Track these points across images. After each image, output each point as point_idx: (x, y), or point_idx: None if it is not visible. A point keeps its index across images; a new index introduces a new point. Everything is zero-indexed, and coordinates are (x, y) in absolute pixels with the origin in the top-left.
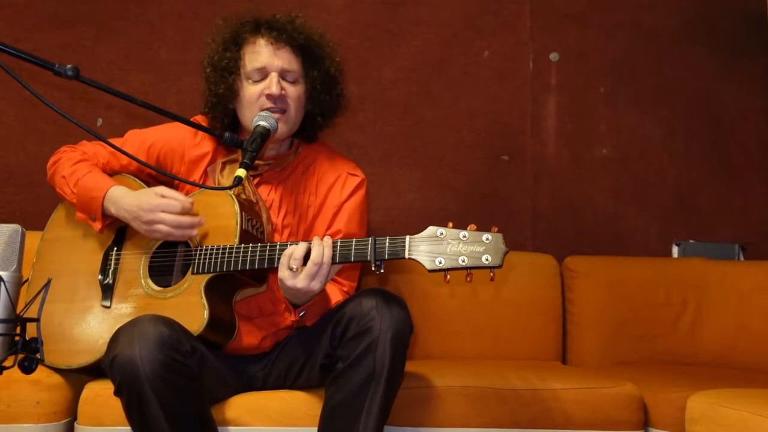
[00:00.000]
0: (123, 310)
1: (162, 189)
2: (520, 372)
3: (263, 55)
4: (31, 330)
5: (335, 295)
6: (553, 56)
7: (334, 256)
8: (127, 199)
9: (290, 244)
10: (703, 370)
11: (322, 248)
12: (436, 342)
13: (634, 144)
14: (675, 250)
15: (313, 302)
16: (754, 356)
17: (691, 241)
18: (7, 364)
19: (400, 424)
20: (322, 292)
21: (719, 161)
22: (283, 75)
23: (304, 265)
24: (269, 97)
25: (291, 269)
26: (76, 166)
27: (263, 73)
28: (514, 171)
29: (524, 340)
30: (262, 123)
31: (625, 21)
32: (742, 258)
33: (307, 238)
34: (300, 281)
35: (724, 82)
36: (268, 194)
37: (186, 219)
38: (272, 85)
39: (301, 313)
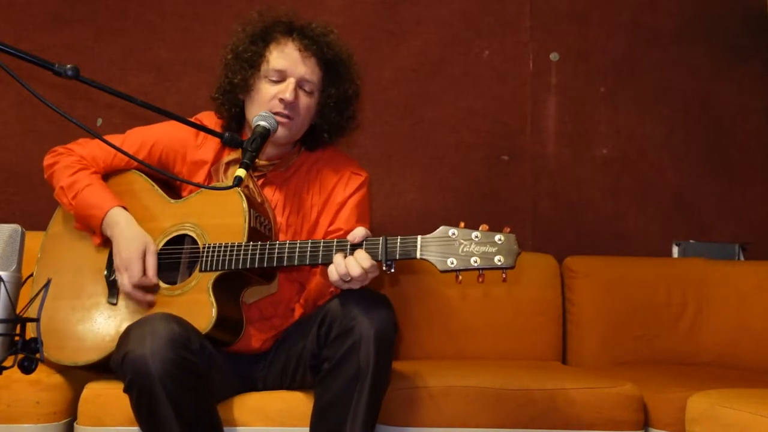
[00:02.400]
0: (130, 308)
1: (151, 251)
2: (520, 372)
3: (289, 59)
4: (31, 330)
5: None
6: (553, 56)
7: (345, 254)
8: (122, 233)
9: (300, 244)
10: (703, 370)
11: (343, 268)
12: (436, 342)
13: (634, 144)
14: (675, 250)
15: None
16: (754, 356)
17: (691, 241)
18: (7, 364)
19: (400, 424)
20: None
21: (719, 161)
22: (301, 83)
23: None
24: (282, 101)
25: (345, 281)
26: (75, 177)
27: (283, 76)
28: (514, 171)
29: (524, 340)
30: (262, 123)
31: (625, 21)
32: (742, 258)
33: (310, 236)
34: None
35: (723, 82)
36: (273, 195)
37: (137, 295)
38: (287, 91)
39: None
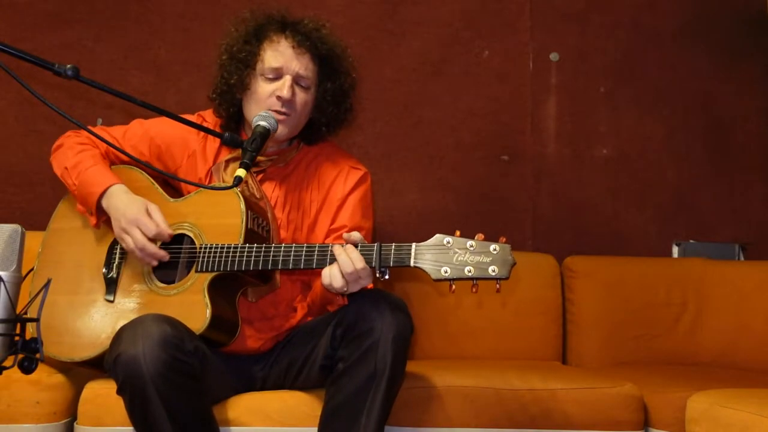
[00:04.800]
0: (126, 305)
1: (153, 208)
2: (520, 372)
3: (284, 56)
4: (31, 329)
5: None
6: (553, 56)
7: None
8: (120, 199)
9: (295, 247)
10: (703, 370)
11: (347, 259)
12: (436, 342)
13: (634, 144)
14: (675, 250)
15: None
16: (754, 356)
17: (691, 241)
18: (7, 364)
19: (400, 424)
20: None
21: (719, 161)
22: (297, 80)
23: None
24: (279, 98)
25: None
26: (80, 156)
27: (278, 73)
28: (514, 171)
29: (524, 340)
30: (262, 123)
31: (625, 21)
32: (742, 258)
33: (311, 233)
34: (352, 288)
35: (724, 83)
36: (272, 191)
37: (151, 248)
38: (284, 88)
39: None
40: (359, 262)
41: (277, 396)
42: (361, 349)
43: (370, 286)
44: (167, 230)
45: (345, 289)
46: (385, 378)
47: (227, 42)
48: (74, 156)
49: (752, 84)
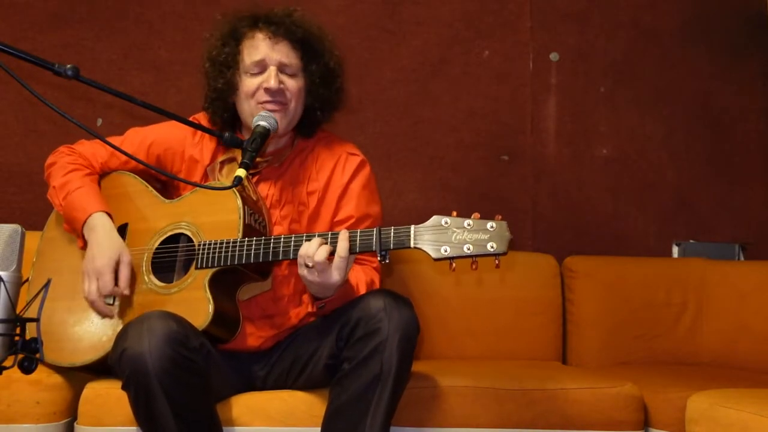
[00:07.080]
0: (126, 307)
1: (125, 261)
2: (520, 372)
3: (261, 48)
4: (31, 330)
5: (360, 280)
6: (553, 56)
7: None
8: (98, 239)
9: (294, 238)
10: (703, 370)
11: (307, 243)
12: (437, 342)
13: (634, 144)
14: (675, 250)
15: (336, 296)
16: (754, 356)
17: (691, 241)
18: (7, 364)
19: (401, 424)
20: (345, 285)
21: (719, 161)
22: (281, 69)
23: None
24: (267, 90)
25: (307, 266)
26: (67, 177)
27: (262, 66)
28: (514, 171)
29: (524, 340)
30: (262, 123)
31: (625, 21)
32: (742, 258)
33: (312, 225)
34: (319, 276)
35: (723, 83)
36: (268, 190)
37: (100, 305)
38: (270, 78)
39: (320, 306)
40: (318, 254)
41: (278, 396)
42: (367, 350)
43: (377, 286)
44: (125, 292)
45: (311, 277)
46: (390, 379)
47: (207, 49)
48: (62, 176)
49: (752, 84)
